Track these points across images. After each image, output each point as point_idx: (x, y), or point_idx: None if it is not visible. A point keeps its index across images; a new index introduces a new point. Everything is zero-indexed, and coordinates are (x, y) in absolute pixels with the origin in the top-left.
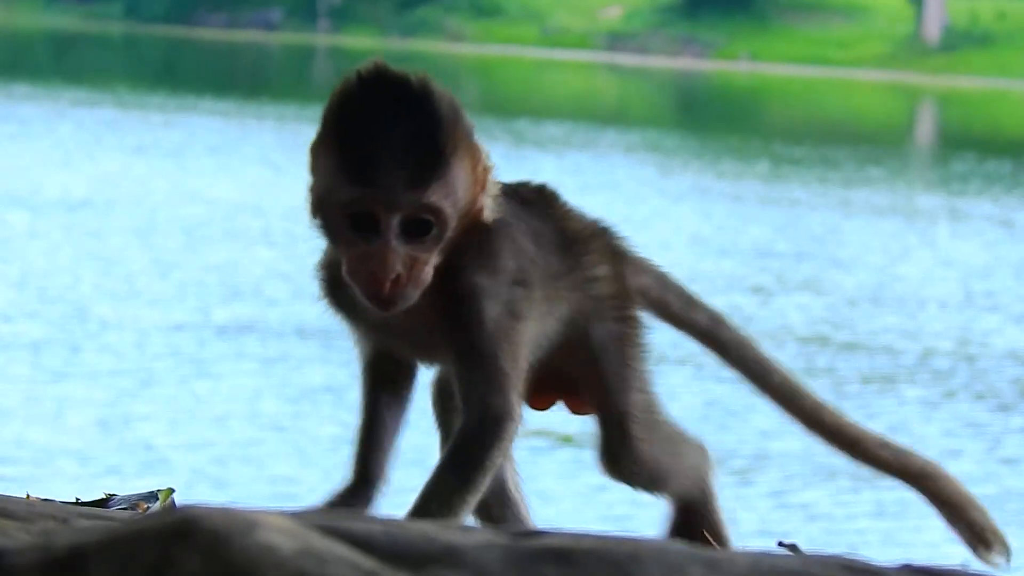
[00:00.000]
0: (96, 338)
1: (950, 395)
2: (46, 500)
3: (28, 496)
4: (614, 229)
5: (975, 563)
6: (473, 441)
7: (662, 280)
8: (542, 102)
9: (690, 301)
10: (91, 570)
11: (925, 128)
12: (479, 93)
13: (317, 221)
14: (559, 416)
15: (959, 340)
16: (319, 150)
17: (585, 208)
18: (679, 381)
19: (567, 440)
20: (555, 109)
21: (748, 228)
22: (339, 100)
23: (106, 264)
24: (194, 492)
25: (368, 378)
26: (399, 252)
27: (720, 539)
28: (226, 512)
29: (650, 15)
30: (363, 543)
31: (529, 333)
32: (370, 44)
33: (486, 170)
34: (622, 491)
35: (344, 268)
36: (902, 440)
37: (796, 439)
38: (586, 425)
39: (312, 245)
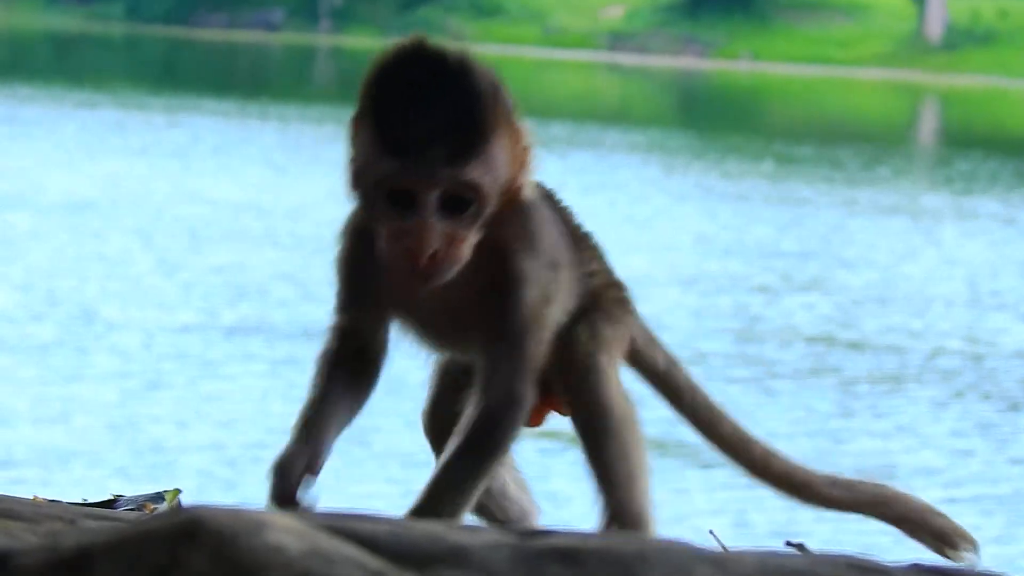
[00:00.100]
0: (103, 340)
1: (958, 395)
2: (52, 501)
3: (35, 497)
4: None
5: (982, 563)
6: (493, 423)
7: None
8: (543, 102)
9: (652, 340)
10: (97, 571)
11: (927, 127)
12: None
13: (355, 195)
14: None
15: (967, 339)
16: (357, 124)
17: (590, 208)
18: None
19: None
20: (557, 109)
21: (753, 227)
22: (377, 74)
23: (111, 265)
24: (203, 494)
25: (332, 357)
26: (437, 228)
27: None
28: (233, 512)
29: (651, 15)
30: (370, 543)
31: (554, 317)
32: (371, 44)
33: (526, 148)
34: None
35: (381, 242)
36: (912, 442)
37: (806, 439)
38: None
39: (315, 247)
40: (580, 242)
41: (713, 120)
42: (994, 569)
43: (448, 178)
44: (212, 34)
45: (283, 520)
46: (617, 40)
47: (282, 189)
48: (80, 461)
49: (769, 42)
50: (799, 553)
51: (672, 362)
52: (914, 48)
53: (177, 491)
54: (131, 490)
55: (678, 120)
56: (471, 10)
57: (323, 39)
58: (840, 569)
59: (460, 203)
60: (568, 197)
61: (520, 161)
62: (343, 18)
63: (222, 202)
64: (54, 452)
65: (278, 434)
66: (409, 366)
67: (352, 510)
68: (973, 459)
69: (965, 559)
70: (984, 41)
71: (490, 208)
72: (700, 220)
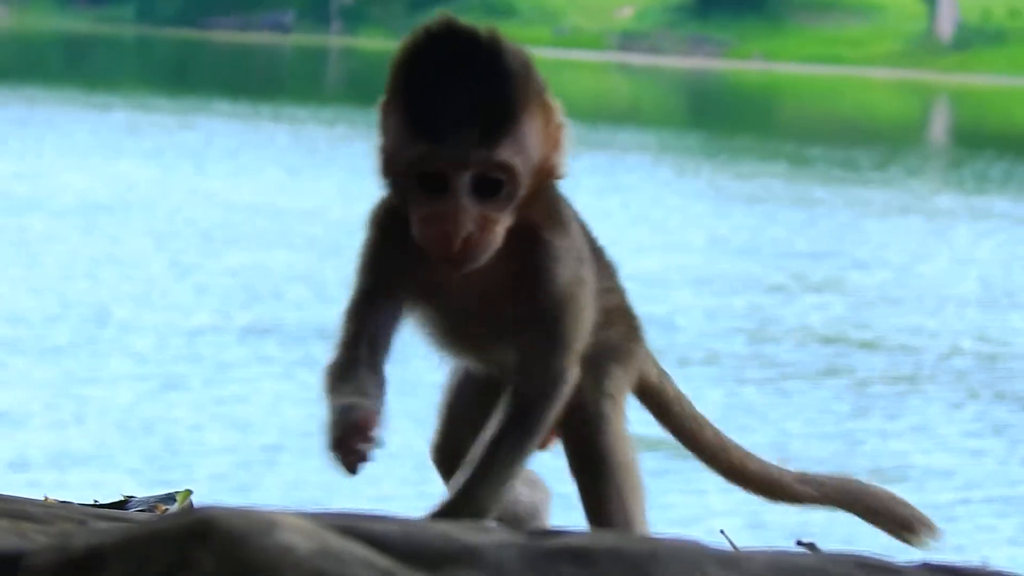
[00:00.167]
0: (117, 342)
1: (973, 395)
2: (64, 502)
3: (46, 498)
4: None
5: (992, 560)
6: (533, 399)
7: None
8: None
9: (653, 361)
10: (108, 571)
11: (939, 126)
12: None
13: (386, 180)
14: None
15: (980, 339)
16: (387, 108)
17: (604, 209)
18: (702, 383)
19: None
20: (569, 109)
21: (766, 228)
22: (406, 56)
23: (125, 268)
24: (217, 496)
25: (339, 371)
26: (470, 211)
27: None
28: (243, 513)
29: (662, 15)
30: (380, 543)
31: (588, 300)
32: (382, 45)
33: (559, 127)
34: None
35: (414, 227)
36: (926, 443)
37: (818, 440)
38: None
39: (329, 248)
40: (597, 255)
41: (725, 120)
42: (1007, 569)
43: (480, 159)
44: (223, 36)
45: (293, 520)
46: (629, 41)
47: (295, 190)
48: (94, 463)
49: (781, 42)
50: (810, 552)
51: (664, 374)
52: (925, 48)
53: (188, 492)
54: (145, 492)
55: (690, 120)
56: (483, 11)
57: (334, 40)
58: (850, 568)
59: (493, 185)
60: (581, 198)
61: (553, 140)
62: (354, 19)
63: (236, 204)
64: (68, 455)
65: (292, 436)
66: (423, 366)
67: (362, 510)
68: (987, 459)
69: (923, 544)
70: (995, 40)
71: (523, 189)
72: (713, 220)
